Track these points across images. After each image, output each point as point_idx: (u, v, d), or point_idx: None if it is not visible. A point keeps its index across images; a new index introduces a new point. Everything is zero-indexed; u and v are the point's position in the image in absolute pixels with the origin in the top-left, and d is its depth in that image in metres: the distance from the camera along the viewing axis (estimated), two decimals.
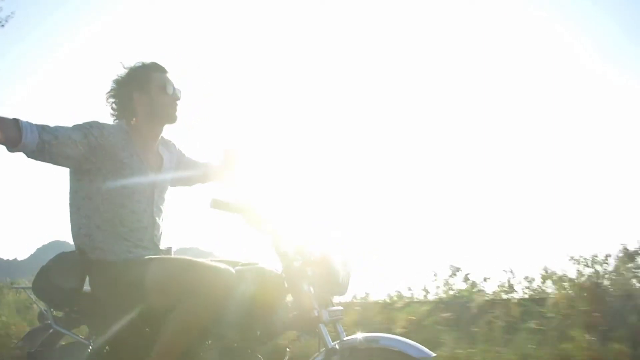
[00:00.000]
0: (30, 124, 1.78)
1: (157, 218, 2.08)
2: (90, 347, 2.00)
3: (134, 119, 2.10)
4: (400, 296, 4.65)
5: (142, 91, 2.07)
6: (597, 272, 3.94)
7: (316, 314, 1.76)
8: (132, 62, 2.13)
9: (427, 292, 4.66)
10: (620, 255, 3.95)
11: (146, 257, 1.93)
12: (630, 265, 3.86)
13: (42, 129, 1.80)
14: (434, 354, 1.68)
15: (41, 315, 2.43)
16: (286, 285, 1.84)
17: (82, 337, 2.14)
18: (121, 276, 1.88)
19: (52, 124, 1.85)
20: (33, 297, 2.27)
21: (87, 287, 2.01)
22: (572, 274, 4.01)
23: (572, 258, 4.10)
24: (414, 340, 1.75)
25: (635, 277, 3.83)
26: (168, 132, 2.21)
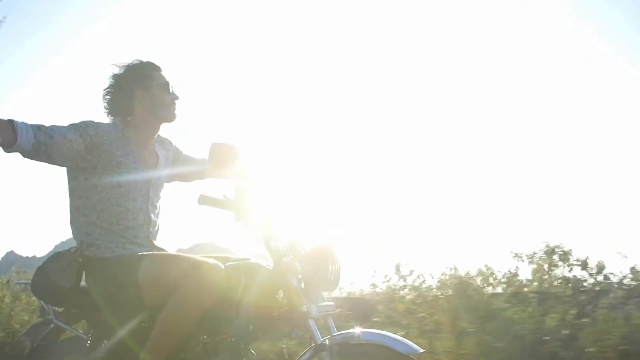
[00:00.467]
0: (26, 125, 1.80)
1: (152, 215, 2.10)
2: (89, 342, 2.04)
3: (130, 117, 2.10)
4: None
5: (144, 89, 2.08)
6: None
7: (305, 310, 1.78)
8: (130, 59, 2.13)
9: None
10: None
11: (139, 253, 1.95)
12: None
13: (38, 129, 1.82)
14: (422, 350, 1.68)
15: (43, 311, 2.49)
16: (277, 280, 1.86)
17: (82, 332, 2.19)
18: (114, 272, 1.91)
19: (47, 124, 1.87)
20: None
21: (84, 283, 2.05)
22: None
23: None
24: None
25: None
26: (165, 130, 2.24)
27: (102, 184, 1.97)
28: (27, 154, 1.83)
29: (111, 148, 1.99)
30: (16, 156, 1.85)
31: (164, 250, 2.11)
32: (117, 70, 2.13)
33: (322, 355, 1.75)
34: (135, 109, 2.09)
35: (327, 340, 1.78)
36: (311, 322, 1.78)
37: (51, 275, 1.95)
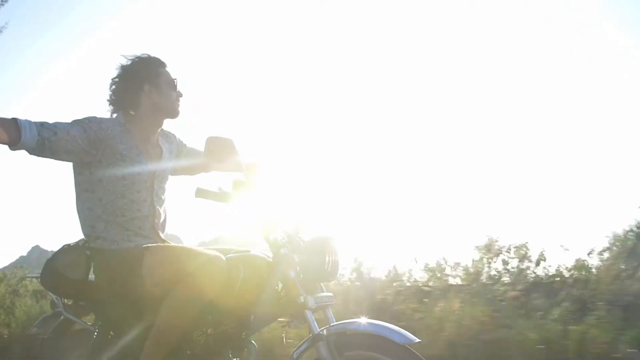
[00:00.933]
0: (29, 122, 1.83)
1: (157, 207, 2.12)
2: (96, 334, 2.08)
3: (134, 111, 2.12)
4: None
5: (152, 84, 2.10)
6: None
7: (302, 300, 1.79)
8: (138, 53, 2.14)
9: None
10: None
11: (143, 245, 1.99)
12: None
13: (41, 126, 1.85)
14: (418, 340, 1.68)
15: (53, 303, 2.55)
16: (275, 272, 1.88)
17: (91, 324, 2.24)
18: (119, 265, 1.94)
19: (51, 121, 1.89)
20: None
21: (92, 276, 2.09)
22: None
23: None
24: None
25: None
26: (167, 126, 2.27)
27: (106, 177, 2.00)
28: (31, 151, 1.86)
29: (114, 142, 2.01)
30: (22, 154, 1.89)
31: (169, 242, 2.15)
32: (125, 62, 2.14)
33: (319, 346, 1.76)
34: (141, 103, 2.11)
35: (324, 331, 1.79)
36: (308, 313, 1.79)
37: (60, 268, 1.99)
